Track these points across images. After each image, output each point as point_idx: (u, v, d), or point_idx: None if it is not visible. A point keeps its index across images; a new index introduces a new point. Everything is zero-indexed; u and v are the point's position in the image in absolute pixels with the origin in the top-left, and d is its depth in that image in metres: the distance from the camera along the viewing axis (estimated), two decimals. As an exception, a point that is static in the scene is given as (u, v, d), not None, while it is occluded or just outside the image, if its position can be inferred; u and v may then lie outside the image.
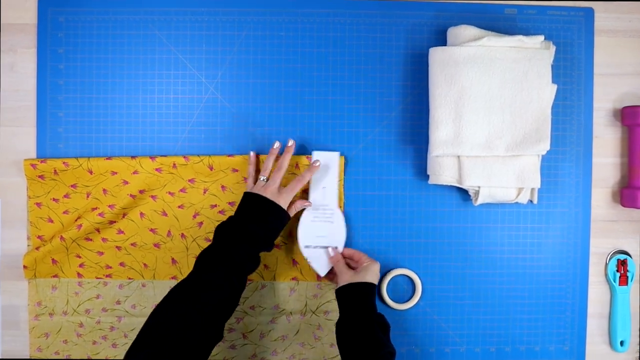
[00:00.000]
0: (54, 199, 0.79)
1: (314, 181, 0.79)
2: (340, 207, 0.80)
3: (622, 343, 0.84)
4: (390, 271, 0.81)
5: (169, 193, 0.80)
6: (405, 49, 0.82)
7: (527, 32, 0.81)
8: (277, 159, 0.77)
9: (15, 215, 0.80)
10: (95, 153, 0.80)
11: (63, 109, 0.80)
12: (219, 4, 0.81)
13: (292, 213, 0.75)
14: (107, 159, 0.78)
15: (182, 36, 0.81)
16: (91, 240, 0.79)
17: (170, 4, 0.80)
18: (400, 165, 0.82)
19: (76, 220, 0.79)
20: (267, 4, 0.81)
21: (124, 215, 0.79)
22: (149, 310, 0.81)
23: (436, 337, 0.83)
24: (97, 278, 0.80)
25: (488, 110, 0.76)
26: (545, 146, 0.76)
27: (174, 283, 0.80)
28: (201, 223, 0.80)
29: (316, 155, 0.79)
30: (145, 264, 0.80)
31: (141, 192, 0.79)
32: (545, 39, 0.77)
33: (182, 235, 0.80)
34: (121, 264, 0.80)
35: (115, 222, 0.79)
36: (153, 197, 0.79)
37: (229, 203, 0.80)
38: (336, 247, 0.78)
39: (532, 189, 0.79)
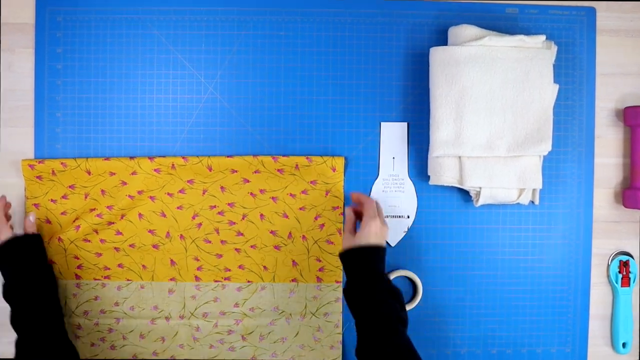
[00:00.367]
0: (52, 200, 0.78)
1: (384, 152, 0.80)
2: (341, 210, 0.80)
3: (624, 345, 0.83)
4: (391, 272, 0.81)
5: (168, 194, 0.79)
6: (406, 49, 0.81)
7: (528, 32, 0.80)
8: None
9: (12, 216, 0.80)
10: (94, 153, 0.80)
11: (61, 109, 0.80)
12: (218, 3, 0.80)
13: None
14: (105, 159, 0.77)
15: (181, 36, 0.80)
16: (89, 241, 0.79)
17: (169, 3, 0.80)
18: (401, 165, 0.81)
19: (74, 222, 0.78)
20: (267, 4, 0.80)
21: (123, 216, 0.79)
22: (147, 312, 0.80)
23: (437, 339, 0.82)
24: (96, 279, 0.80)
25: (489, 111, 0.75)
26: (546, 146, 0.75)
27: (172, 285, 0.80)
28: (200, 224, 0.80)
29: (384, 126, 0.79)
30: (143, 265, 0.80)
31: (140, 192, 0.78)
32: (546, 38, 0.77)
33: (181, 237, 0.80)
34: (119, 266, 0.80)
35: (113, 223, 0.79)
36: (152, 197, 0.79)
37: (228, 204, 0.80)
38: (350, 207, 0.75)
39: (534, 190, 0.78)
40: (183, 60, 0.80)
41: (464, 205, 0.82)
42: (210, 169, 0.78)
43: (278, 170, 0.79)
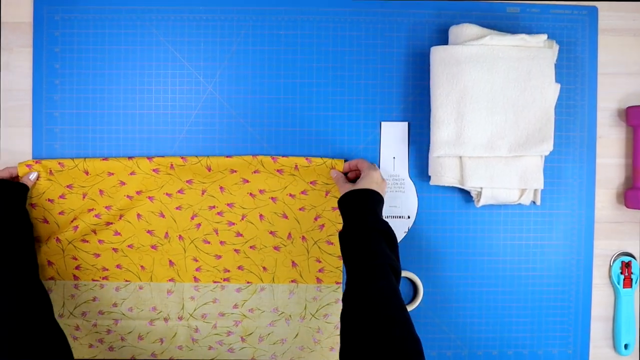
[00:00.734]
0: (49, 200, 0.78)
1: (385, 151, 0.79)
2: None
3: (626, 346, 0.83)
4: (391, 273, 0.80)
5: (167, 194, 0.79)
6: (407, 48, 0.81)
7: (530, 31, 0.80)
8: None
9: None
10: (92, 153, 0.79)
11: (59, 109, 0.79)
12: (217, 2, 0.80)
13: None
14: (103, 159, 0.77)
15: (180, 35, 0.80)
16: (87, 242, 0.78)
17: (168, 2, 0.79)
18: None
19: (72, 222, 0.78)
20: (267, 3, 0.80)
21: (121, 216, 0.78)
22: (146, 313, 0.80)
23: (437, 341, 0.81)
24: (94, 280, 0.79)
25: (490, 110, 0.75)
26: (548, 146, 0.75)
27: (171, 285, 0.79)
28: (199, 224, 0.79)
29: (385, 126, 0.79)
30: (142, 266, 0.79)
31: (138, 193, 0.78)
32: (548, 37, 0.76)
33: (180, 237, 0.79)
34: (118, 266, 0.79)
35: (111, 223, 0.78)
36: (150, 198, 0.78)
37: (228, 204, 0.79)
38: (335, 169, 0.77)
39: (535, 190, 0.78)
40: (182, 59, 0.80)
41: (465, 205, 0.81)
42: (209, 169, 0.78)
43: (277, 170, 0.78)
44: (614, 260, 0.83)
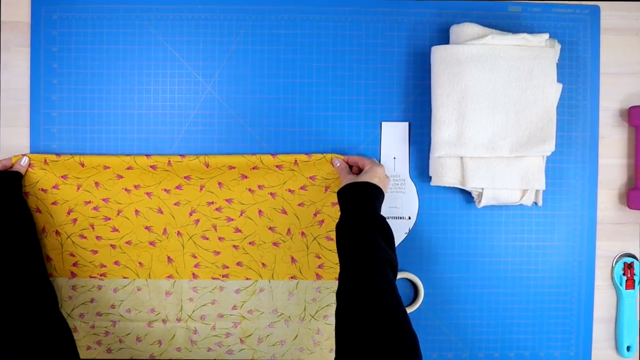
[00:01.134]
0: (42, 189, 0.77)
1: (385, 152, 0.79)
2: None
3: (628, 348, 0.82)
4: (392, 275, 0.80)
5: (165, 190, 0.78)
6: (407, 48, 0.80)
7: (531, 30, 0.79)
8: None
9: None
10: (90, 153, 0.79)
11: (57, 109, 0.79)
12: (216, 1, 0.79)
13: None
14: (100, 156, 0.77)
15: (178, 34, 0.79)
16: (85, 237, 0.78)
17: (167, 1, 0.79)
18: (402, 166, 0.80)
19: (69, 214, 0.77)
20: (266, 2, 0.79)
21: (119, 212, 0.78)
22: (144, 314, 0.79)
23: (438, 343, 0.81)
24: (92, 277, 0.79)
25: (492, 110, 0.74)
26: (550, 147, 0.75)
27: (169, 282, 0.79)
28: (197, 220, 0.79)
29: (385, 126, 0.79)
30: (140, 263, 0.79)
31: (136, 187, 0.78)
32: (550, 37, 0.76)
33: (178, 233, 0.79)
34: (116, 263, 0.79)
35: (109, 219, 0.78)
36: (148, 194, 0.78)
37: (226, 200, 0.79)
38: (338, 158, 0.76)
39: (537, 191, 0.77)
40: (181, 59, 0.79)
41: (466, 206, 0.81)
42: (207, 166, 0.77)
43: (276, 166, 0.78)
44: (616, 262, 0.82)
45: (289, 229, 0.79)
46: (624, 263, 0.82)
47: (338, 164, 0.76)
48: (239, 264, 0.79)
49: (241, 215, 0.79)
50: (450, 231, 0.81)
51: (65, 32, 0.79)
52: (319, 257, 0.79)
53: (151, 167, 0.77)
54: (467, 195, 0.80)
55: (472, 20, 0.76)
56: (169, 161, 0.77)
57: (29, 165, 0.76)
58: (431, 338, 0.81)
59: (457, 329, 0.81)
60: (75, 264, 0.79)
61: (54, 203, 0.78)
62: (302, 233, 0.79)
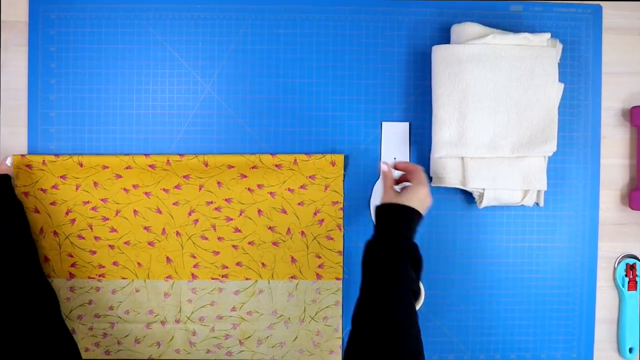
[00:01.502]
0: (41, 189, 0.77)
1: (386, 152, 0.78)
2: (340, 205, 0.78)
3: (631, 350, 0.81)
4: (392, 276, 0.79)
5: (163, 190, 0.78)
6: (408, 47, 0.80)
7: (533, 30, 0.79)
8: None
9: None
10: (88, 153, 0.78)
11: (55, 109, 0.78)
12: (215, 0, 0.79)
13: None
14: (99, 156, 0.77)
15: (178, 34, 0.79)
16: (83, 238, 0.78)
17: (166, 0, 0.78)
18: (402, 166, 0.80)
19: (67, 214, 0.77)
20: (266, 1, 0.79)
21: (117, 212, 0.78)
22: (142, 316, 0.79)
23: (439, 344, 0.80)
24: (90, 278, 0.78)
25: (493, 110, 0.74)
26: (551, 147, 0.74)
27: (168, 283, 0.78)
28: (197, 220, 0.78)
29: (385, 126, 0.78)
30: (139, 263, 0.79)
31: (135, 187, 0.77)
32: (551, 36, 0.76)
33: (177, 233, 0.78)
34: (114, 264, 0.78)
35: (108, 219, 0.78)
36: (147, 193, 0.78)
37: (225, 199, 0.78)
38: (388, 163, 0.74)
39: (538, 191, 0.77)
40: (179, 58, 0.79)
41: (467, 207, 0.80)
42: (206, 165, 0.77)
43: (276, 165, 0.77)
44: (619, 263, 0.82)
45: (288, 229, 0.79)
46: (626, 264, 0.81)
47: (385, 169, 0.72)
48: (238, 264, 0.79)
49: (240, 214, 0.78)
50: (451, 232, 0.80)
51: (63, 32, 0.78)
52: (319, 257, 0.79)
53: (150, 166, 0.77)
54: (468, 195, 0.80)
55: (473, 20, 0.75)
56: (168, 160, 0.76)
57: (28, 166, 0.76)
58: (432, 340, 0.80)
59: (458, 330, 0.81)
60: (73, 265, 0.78)
61: (53, 203, 0.77)
62: (302, 232, 0.79)
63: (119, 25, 0.78)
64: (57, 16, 0.78)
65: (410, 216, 0.65)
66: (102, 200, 0.77)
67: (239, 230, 0.79)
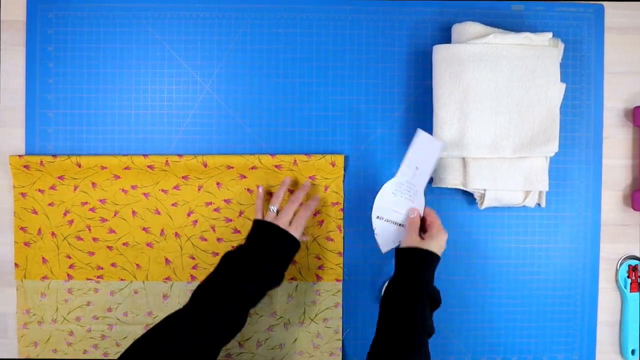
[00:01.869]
0: (39, 190, 0.76)
1: (410, 159, 0.72)
2: (340, 206, 0.78)
3: (633, 352, 0.81)
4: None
5: (162, 190, 0.77)
6: (409, 47, 0.79)
7: (534, 29, 0.78)
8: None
9: (2, 220, 0.78)
10: (86, 154, 0.77)
11: (53, 109, 0.78)
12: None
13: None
14: (97, 156, 0.76)
15: (176, 33, 0.78)
16: (82, 239, 0.77)
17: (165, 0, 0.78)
18: (403, 167, 0.79)
19: (66, 215, 0.77)
20: (265, 0, 0.78)
21: (116, 213, 0.77)
22: (141, 317, 0.78)
23: (440, 346, 0.80)
24: (88, 279, 0.78)
25: (494, 110, 0.73)
26: (553, 147, 0.74)
27: (167, 285, 0.78)
28: (196, 221, 0.78)
29: (421, 135, 0.72)
30: (137, 265, 0.78)
31: (133, 187, 0.77)
32: (553, 36, 0.75)
33: (176, 234, 0.78)
34: (113, 265, 0.78)
35: (106, 220, 0.77)
36: (145, 194, 0.77)
37: (225, 200, 0.78)
38: (417, 209, 0.73)
39: (540, 192, 0.76)
40: (178, 58, 0.78)
41: (468, 208, 0.80)
42: (205, 165, 0.76)
43: (275, 166, 0.77)
44: (621, 264, 0.81)
45: None
46: (629, 265, 0.81)
47: (412, 216, 0.72)
48: None
49: (240, 215, 0.78)
50: (452, 233, 0.79)
51: (61, 31, 0.78)
52: (319, 258, 0.78)
53: (149, 167, 0.76)
54: (469, 196, 0.79)
55: (475, 19, 0.75)
56: (167, 161, 0.76)
57: (26, 167, 0.75)
58: (433, 342, 0.79)
59: (459, 332, 0.80)
60: (71, 266, 0.78)
61: (51, 204, 0.77)
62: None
63: (117, 25, 0.78)
64: (55, 15, 0.78)
65: (433, 261, 0.68)
66: (100, 201, 0.77)
67: (238, 231, 0.78)
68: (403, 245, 0.70)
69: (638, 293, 0.81)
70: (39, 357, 0.78)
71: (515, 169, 0.74)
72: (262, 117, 0.79)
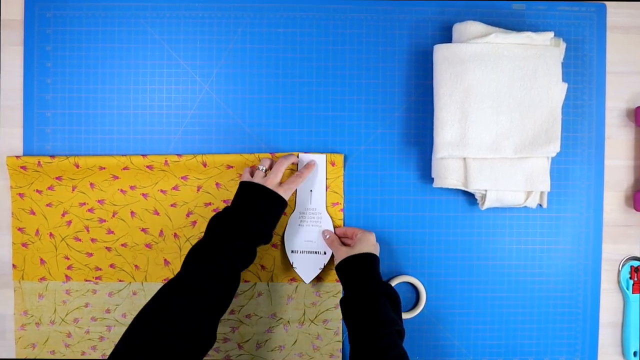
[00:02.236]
0: (37, 191, 0.76)
1: (301, 186, 0.77)
2: (340, 206, 0.77)
3: (635, 354, 0.80)
4: (393, 278, 0.78)
5: (161, 191, 0.77)
6: (409, 46, 0.79)
7: (536, 29, 0.78)
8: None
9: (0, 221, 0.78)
10: (85, 154, 0.77)
11: (51, 109, 0.77)
12: (214, -1, 0.78)
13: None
14: (95, 156, 0.76)
15: (175, 33, 0.78)
16: (80, 240, 0.77)
17: (163, -1, 0.78)
18: (404, 167, 0.79)
19: (64, 216, 0.76)
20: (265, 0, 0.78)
21: (114, 214, 0.77)
22: (140, 319, 0.77)
23: (441, 348, 0.79)
24: (87, 281, 0.77)
25: (495, 110, 0.73)
26: (555, 148, 0.73)
27: (166, 288, 0.77)
28: (195, 222, 0.77)
29: (302, 157, 0.77)
30: (136, 266, 0.77)
31: (132, 188, 0.76)
32: (555, 35, 0.74)
33: (175, 235, 0.77)
34: (111, 266, 0.77)
35: (105, 221, 0.77)
36: (144, 195, 0.77)
37: (224, 201, 0.77)
38: (328, 230, 0.76)
39: (542, 193, 0.76)
40: (177, 58, 0.78)
41: (469, 208, 0.79)
42: (204, 165, 0.76)
43: None
44: (623, 265, 0.81)
45: None
46: (631, 266, 0.80)
47: (327, 237, 0.75)
48: None
49: None
50: (453, 234, 0.79)
51: (59, 31, 0.77)
52: None
53: (147, 167, 0.76)
54: (470, 197, 0.79)
55: (476, 19, 0.75)
56: (166, 161, 0.75)
57: (23, 167, 0.75)
58: (434, 343, 0.79)
59: (460, 333, 0.80)
60: (69, 267, 0.77)
61: (49, 205, 0.76)
62: None
63: (116, 24, 0.77)
64: (53, 15, 0.77)
65: (372, 261, 0.69)
66: (98, 201, 0.76)
67: None
68: (336, 261, 0.71)
69: (640, 294, 0.80)
70: (37, 359, 0.78)
71: (516, 169, 0.74)
72: (261, 116, 0.78)
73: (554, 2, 0.79)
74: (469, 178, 0.74)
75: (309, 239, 0.77)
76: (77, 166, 0.75)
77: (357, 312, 0.66)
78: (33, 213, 0.76)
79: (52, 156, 0.75)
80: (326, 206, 0.77)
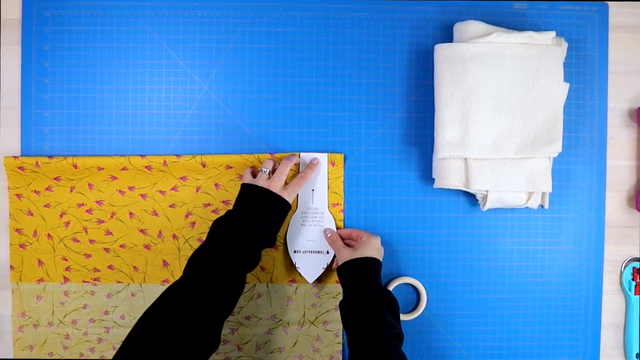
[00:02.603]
0: (35, 191, 0.76)
1: (309, 184, 0.76)
2: (341, 207, 0.77)
3: (637, 355, 0.80)
4: (393, 280, 0.78)
5: (160, 192, 0.76)
6: (410, 46, 0.78)
7: (537, 28, 0.77)
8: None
9: (-2, 219, 0.77)
10: (83, 155, 0.77)
11: (49, 109, 0.77)
12: (213, -2, 0.77)
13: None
14: (93, 157, 0.75)
15: (174, 32, 0.77)
16: (78, 241, 0.76)
17: (162, -2, 0.77)
18: (404, 168, 0.78)
19: (62, 217, 0.76)
20: (264, -1, 0.78)
21: (113, 214, 0.76)
22: (138, 320, 0.77)
23: (442, 349, 0.79)
24: (85, 282, 0.77)
25: (497, 110, 0.72)
26: (557, 148, 0.73)
27: (165, 287, 0.76)
28: (194, 223, 0.77)
29: (304, 156, 0.76)
30: (135, 267, 0.77)
31: (131, 189, 0.76)
32: (557, 35, 0.74)
33: (174, 236, 0.77)
34: (110, 267, 0.77)
35: (103, 222, 0.76)
36: (143, 195, 0.76)
37: (223, 202, 0.77)
38: (330, 228, 0.76)
39: (543, 193, 0.75)
40: (176, 57, 0.77)
41: (470, 209, 0.79)
42: (204, 166, 0.75)
43: None
44: (625, 266, 0.80)
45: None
46: (633, 268, 0.80)
47: (329, 235, 0.75)
48: None
49: None
50: (454, 235, 0.79)
51: (57, 30, 0.77)
52: None
53: (146, 167, 0.75)
54: (471, 197, 0.78)
55: (477, 18, 0.74)
56: (165, 161, 0.75)
57: (21, 168, 0.74)
58: (435, 345, 0.79)
59: (461, 335, 0.79)
60: (67, 269, 0.77)
61: (47, 206, 0.76)
62: None
63: (114, 24, 0.77)
64: (51, 14, 0.77)
65: (374, 266, 0.69)
66: (97, 202, 0.76)
67: None
68: (339, 263, 0.71)
69: (642, 296, 0.80)
70: (35, 361, 0.77)
71: (518, 169, 0.73)
72: (261, 117, 0.78)
73: (555, 2, 0.78)
74: (470, 179, 0.73)
75: (312, 238, 0.76)
76: (75, 167, 0.75)
77: (356, 314, 0.65)
78: (31, 214, 0.76)
79: (50, 156, 0.75)
80: (328, 206, 0.77)
